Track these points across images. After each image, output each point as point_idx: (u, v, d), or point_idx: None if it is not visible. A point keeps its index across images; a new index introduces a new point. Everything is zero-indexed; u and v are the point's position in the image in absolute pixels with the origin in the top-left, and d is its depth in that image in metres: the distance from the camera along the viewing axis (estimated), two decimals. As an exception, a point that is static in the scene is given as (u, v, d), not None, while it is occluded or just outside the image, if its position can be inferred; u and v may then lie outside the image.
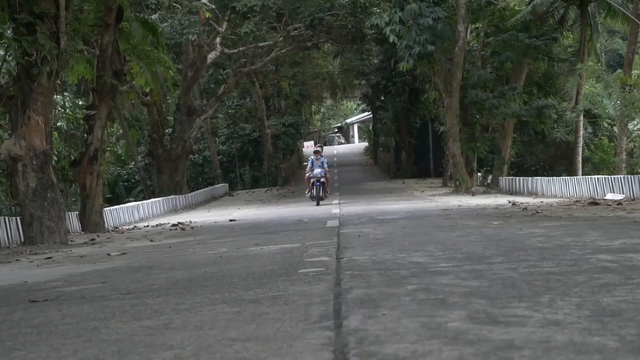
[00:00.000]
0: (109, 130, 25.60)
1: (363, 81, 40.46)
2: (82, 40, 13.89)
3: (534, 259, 4.05)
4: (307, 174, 19.53)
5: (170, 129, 28.79)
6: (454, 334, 2.16)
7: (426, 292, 3.05)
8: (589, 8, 24.95)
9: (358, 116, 71.08)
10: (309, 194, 19.35)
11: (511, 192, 20.37)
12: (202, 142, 37.58)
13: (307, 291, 3.36)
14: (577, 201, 13.64)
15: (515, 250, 4.66)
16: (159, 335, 2.54)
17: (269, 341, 2.28)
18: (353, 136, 75.92)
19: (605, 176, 16.97)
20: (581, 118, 24.95)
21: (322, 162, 19.09)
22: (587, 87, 25.83)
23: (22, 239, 10.60)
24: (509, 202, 14.38)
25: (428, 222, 8.90)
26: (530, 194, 19.09)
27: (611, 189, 15.12)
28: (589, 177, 17.45)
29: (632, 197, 13.86)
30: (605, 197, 14.46)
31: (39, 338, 2.70)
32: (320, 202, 18.49)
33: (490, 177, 24.78)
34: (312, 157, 19.61)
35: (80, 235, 12.86)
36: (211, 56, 27.51)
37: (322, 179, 18.77)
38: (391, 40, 21.57)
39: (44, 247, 9.63)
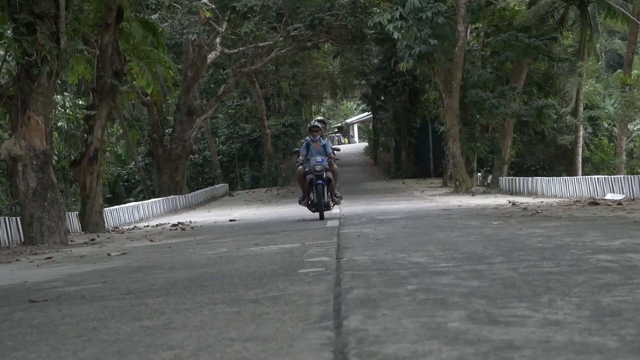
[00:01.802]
0: (109, 130, 25.63)
1: (363, 81, 40.48)
2: (82, 40, 13.90)
3: (534, 259, 4.05)
4: (299, 167, 12.03)
5: (170, 129, 28.81)
6: (454, 334, 2.16)
7: (426, 292, 3.04)
8: (588, 8, 24.96)
9: (358, 116, 71.14)
10: (305, 200, 11.92)
11: (511, 192, 20.37)
12: (202, 142, 37.60)
13: (307, 291, 3.36)
14: (577, 201, 13.64)
15: (515, 250, 4.66)
16: (159, 335, 2.54)
17: (269, 341, 2.28)
18: (353, 136, 75.96)
19: (605, 176, 16.98)
20: (581, 119, 24.96)
21: (324, 146, 11.86)
22: (587, 87, 25.85)
23: (22, 239, 10.61)
24: (509, 202, 14.38)
25: (428, 222, 8.90)
26: (530, 194, 19.09)
27: (611, 189, 15.12)
28: (589, 177, 17.45)
29: (632, 197, 13.87)
30: (605, 197, 14.46)
31: (39, 338, 2.70)
32: (325, 215, 11.58)
33: (490, 177, 24.80)
34: (307, 138, 12.10)
35: (80, 235, 12.86)
36: (211, 56, 27.52)
37: (325, 174, 11.53)
38: (395, 37, 21.58)
39: (44, 247, 9.63)
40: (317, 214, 11.63)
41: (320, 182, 11.50)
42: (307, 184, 11.71)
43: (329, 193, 11.84)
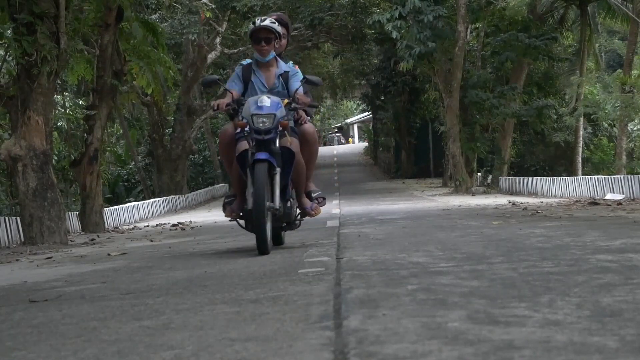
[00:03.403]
0: (109, 130, 25.62)
1: (363, 81, 40.49)
2: (82, 40, 13.90)
3: (534, 259, 4.05)
4: (224, 126, 5.91)
5: (170, 129, 28.81)
6: (454, 334, 2.16)
7: (426, 292, 3.04)
8: (588, 8, 24.98)
9: (358, 116, 71.20)
10: (235, 202, 5.80)
11: (511, 192, 20.37)
12: (202, 142, 37.58)
13: (307, 291, 3.36)
14: (577, 201, 13.64)
15: (515, 250, 4.66)
16: (159, 335, 2.54)
17: (269, 341, 2.28)
18: (353, 136, 75.98)
19: (605, 176, 16.99)
20: (581, 118, 25.01)
21: (284, 77, 5.81)
22: (586, 87, 25.87)
23: (22, 239, 10.61)
24: (509, 202, 14.38)
25: (428, 222, 8.90)
26: (530, 194, 19.09)
27: (611, 189, 15.13)
28: (589, 177, 17.47)
29: (632, 197, 13.87)
30: (605, 197, 14.46)
31: (39, 338, 2.70)
32: (285, 236, 6.44)
33: (490, 177, 24.81)
34: (247, 60, 5.97)
35: (80, 235, 12.86)
36: (211, 56, 27.53)
37: (280, 142, 5.44)
38: (394, 37, 21.66)
39: (44, 247, 9.63)
40: (258, 239, 5.25)
41: (264, 156, 5.26)
42: (237, 168, 5.55)
43: (291, 187, 5.81)
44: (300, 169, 5.75)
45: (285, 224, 6.02)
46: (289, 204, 5.79)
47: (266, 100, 5.39)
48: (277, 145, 5.46)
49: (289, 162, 5.58)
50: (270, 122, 5.33)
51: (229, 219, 6.00)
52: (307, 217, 6.19)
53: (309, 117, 6.01)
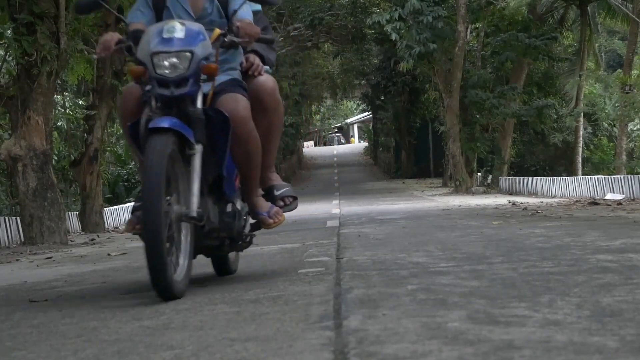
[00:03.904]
0: (109, 130, 25.59)
1: (363, 81, 40.52)
2: (82, 40, 13.89)
3: (534, 259, 4.05)
4: (128, 84, 4.55)
5: (170, 129, 28.81)
6: (454, 334, 2.16)
7: (426, 292, 3.04)
8: (588, 8, 25.00)
9: (358, 116, 71.24)
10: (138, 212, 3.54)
11: (511, 192, 20.38)
12: (202, 142, 37.55)
13: (307, 291, 3.36)
14: (577, 201, 13.65)
15: (515, 250, 4.66)
16: (159, 335, 2.54)
17: (269, 341, 2.28)
18: (353, 136, 76.03)
19: (605, 176, 17.01)
20: (581, 118, 25.03)
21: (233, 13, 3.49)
22: (586, 87, 25.89)
23: (22, 239, 10.61)
24: (509, 202, 14.38)
25: (428, 222, 8.90)
26: (530, 194, 19.11)
27: (611, 189, 15.14)
28: (589, 177, 17.49)
29: (632, 197, 13.87)
30: (605, 197, 14.47)
31: (39, 338, 2.70)
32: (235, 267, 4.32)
33: (490, 177, 24.82)
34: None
35: (80, 235, 12.86)
36: (211, 56, 27.54)
37: (197, 95, 3.20)
38: (393, 38, 21.70)
39: (44, 247, 9.63)
40: (150, 269, 3.31)
41: (166, 123, 3.09)
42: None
43: (237, 180, 3.68)
44: (250, 150, 3.52)
45: (228, 242, 3.74)
46: (229, 209, 3.59)
47: (178, 28, 3.23)
48: (200, 106, 3.29)
49: (223, 137, 3.37)
50: (185, 66, 3.19)
51: (132, 233, 3.86)
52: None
53: (266, 67, 3.76)
